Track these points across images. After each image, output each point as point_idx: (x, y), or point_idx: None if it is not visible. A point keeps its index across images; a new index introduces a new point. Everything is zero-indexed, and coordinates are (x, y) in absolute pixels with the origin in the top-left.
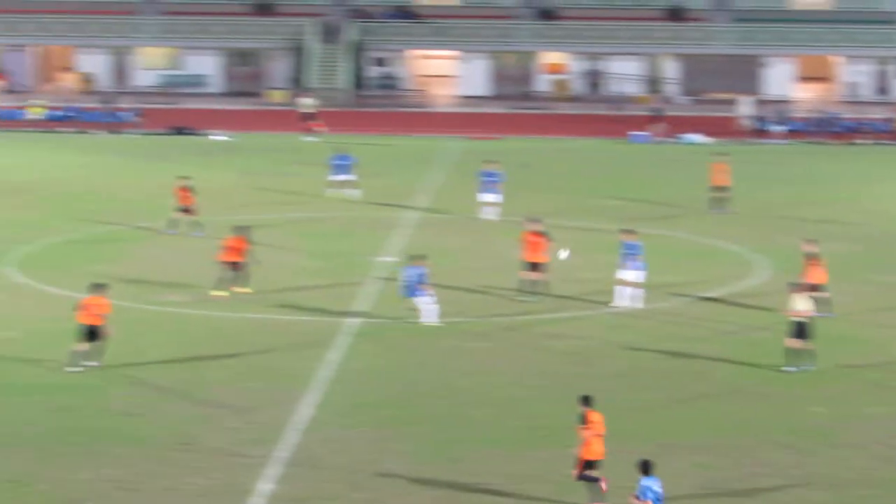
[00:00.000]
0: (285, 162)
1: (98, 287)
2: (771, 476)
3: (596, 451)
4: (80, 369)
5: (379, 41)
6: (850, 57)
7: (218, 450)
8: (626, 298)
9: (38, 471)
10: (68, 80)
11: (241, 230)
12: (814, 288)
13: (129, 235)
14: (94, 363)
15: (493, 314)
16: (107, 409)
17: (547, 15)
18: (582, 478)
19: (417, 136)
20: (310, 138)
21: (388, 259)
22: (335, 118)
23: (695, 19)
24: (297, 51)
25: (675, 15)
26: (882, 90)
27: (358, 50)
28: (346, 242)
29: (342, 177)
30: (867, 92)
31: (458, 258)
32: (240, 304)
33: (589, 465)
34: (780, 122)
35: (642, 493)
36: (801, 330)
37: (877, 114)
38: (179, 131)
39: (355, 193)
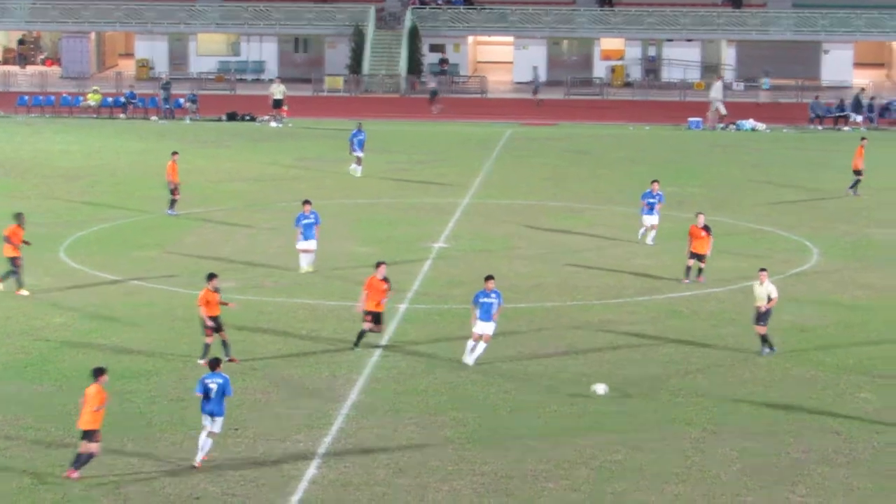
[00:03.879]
0: (339, 148)
1: (212, 277)
2: (816, 462)
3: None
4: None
5: (436, 27)
6: None
7: (266, 435)
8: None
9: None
10: (126, 67)
11: (17, 217)
12: (699, 257)
13: (179, 222)
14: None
15: (539, 300)
16: (164, 394)
17: (605, 1)
18: None
19: (474, 122)
20: (274, 124)
21: (440, 245)
22: (391, 104)
23: (754, 5)
24: (355, 37)
25: (734, 1)
26: None
27: (414, 36)
28: (399, 228)
29: (360, 153)
30: None
31: (508, 244)
32: (292, 290)
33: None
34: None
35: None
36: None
37: None
38: (233, 117)
39: (358, 169)
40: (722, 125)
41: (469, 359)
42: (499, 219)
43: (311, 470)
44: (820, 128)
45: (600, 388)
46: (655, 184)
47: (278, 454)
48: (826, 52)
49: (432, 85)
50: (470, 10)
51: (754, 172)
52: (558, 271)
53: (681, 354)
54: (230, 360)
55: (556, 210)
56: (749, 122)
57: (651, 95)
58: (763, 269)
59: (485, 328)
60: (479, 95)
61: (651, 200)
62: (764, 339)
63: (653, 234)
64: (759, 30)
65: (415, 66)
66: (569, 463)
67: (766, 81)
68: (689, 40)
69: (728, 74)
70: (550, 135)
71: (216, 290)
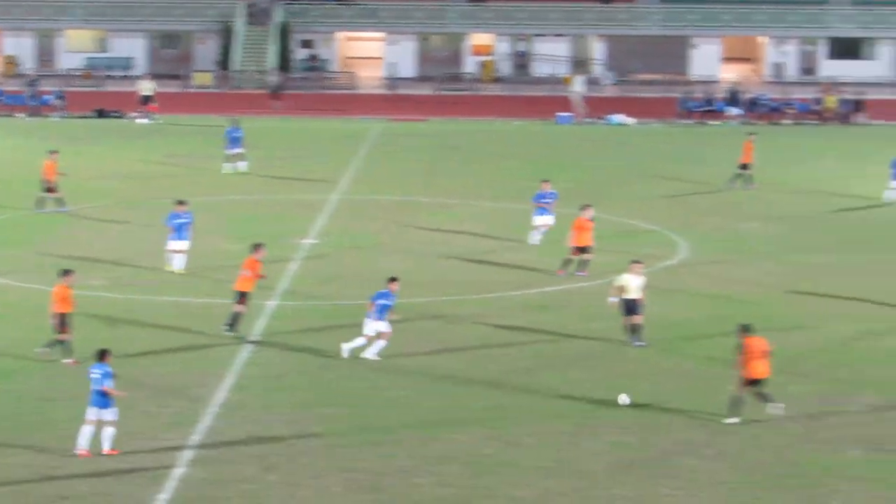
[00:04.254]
0: (210, 145)
1: (67, 273)
2: (685, 455)
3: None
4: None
5: (307, 23)
6: (775, 37)
7: (135, 433)
8: (535, 239)
9: None
10: None
11: None
12: (583, 250)
13: (48, 219)
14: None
15: (411, 296)
16: (28, 394)
17: None
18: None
19: (343, 119)
20: (143, 121)
21: (310, 241)
22: (261, 100)
23: (622, 1)
24: (224, 33)
25: None
26: (807, 71)
27: (284, 32)
28: (269, 225)
29: (236, 150)
30: (792, 72)
31: (377, 240)
32: (161, 288)
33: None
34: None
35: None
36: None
37: (802, 94)
38: (102, 114)
39: (242, 165)
40: (590, 119)
41: (347, 349)
42: (369, 215)
43: (181, 468)
44: (690, 122)
45: (624, 399)
46: (546, 183)
47: (147, 452)
48: (694, 46)
49: (274, 79)
50: (340, 6)
51: (623, 167)
52: (430, 267)
53: (552, 348)
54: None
55: (426, 206)
56: (618, 117)
57: (521, 90)
58: (637, 261)
59: (379, 326)
60: (348, 91)
61: (546, 200)
62: (635, 329)
63: (543, 231)
64: (627, 25)
65: (285, 62)
66: (440, 458)
67: (580, 80)
68: (559, 35)
69: (597, 69)
70: (420, 130)
71: (70, 287)
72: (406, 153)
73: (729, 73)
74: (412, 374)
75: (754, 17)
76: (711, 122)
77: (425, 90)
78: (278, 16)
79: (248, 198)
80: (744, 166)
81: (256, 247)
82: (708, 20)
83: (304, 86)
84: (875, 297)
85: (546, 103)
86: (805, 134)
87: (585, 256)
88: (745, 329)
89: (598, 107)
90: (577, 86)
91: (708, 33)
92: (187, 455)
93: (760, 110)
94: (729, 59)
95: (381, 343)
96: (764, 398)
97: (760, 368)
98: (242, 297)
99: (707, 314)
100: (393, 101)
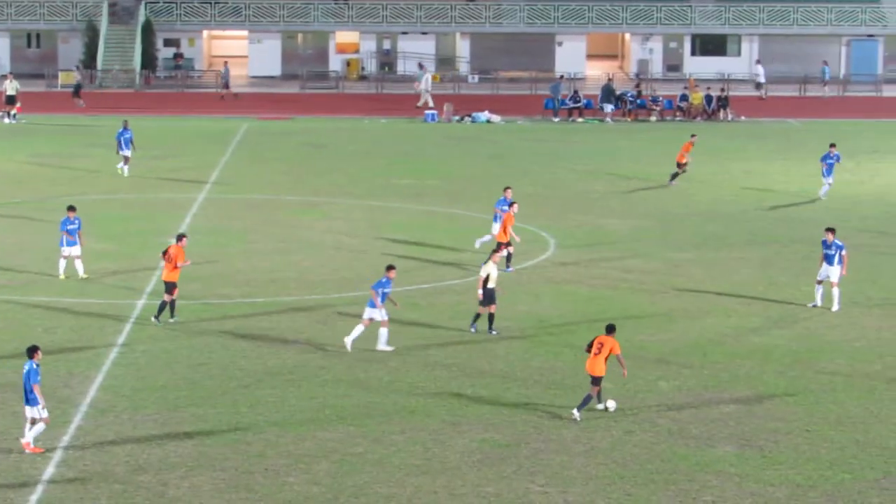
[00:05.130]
0: (74, 144)
1: None
2: (555, 452)
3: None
4: None
5: (171, 21)
6: (640, 34)
7: (3, 434)
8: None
9: None
10: None
11: None
12: (507, 244)
13: None
14: None
15: (278, 294)
16: None
17: None
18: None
19: (210, 118)
20: (8, 120)
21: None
22: (126, 99)
23: None
24: (88, 32)
25: None
26: (672, 67)
27: (149, 31)
28: (137, 224)
29: (126, 151)
30: (657, 69)
31: (245, 238)
32: (26, 288)
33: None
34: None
35: None
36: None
37: (667, 90)
38: None
39: (126, 169)
40: (457, 117)
41: (349, 341)
42: (236, 213)
43: (50, 469)
44: (556, 119)
45: (611, 405)
46: (509, 190)
47: (16, 454)
48: (559, 44)
49: (78, 79)
50: (204, 5)
51: (490, 164)
52: (296, 265)
53: (421, 346)
54: None
55: (293, 204)
56: (484, 115)
57: (386, 88)
58: (497, 251)
59: (375, 313)
60: (214, 90)
61: (505, 207)
62: (492, 319)
63: (487, 238)
64: (492, 22)
65: (149, 60)
66: (310, 457)
67: (422, 75)
68: (424, 33)
69: (463, 67)
70: (286, 129)
71: None
72: (272, 152)
73: (594, 70)
74: (281, 374)
75: (619, 15)
76: (579, 120)
77: (291, 88)
78: (142, 14)
79: (116, 197)
80: (679, 164)
81: (180, 237)
82: (573, 17)
83: (168, 85)
84: (745, 293)
85: (412, 101)
86: (671, 130)
87: (510, 249)
88: (608, 329)
89: (465, 105)
90: (424, 83)
91: (573, 30)
92: (56, 456)
93: (628, 107)
94: (594, 56)
95: (385, 332)
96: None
97: (599, 366)
98: (171, 286)
99: (576, 311)
100: (259, 99)
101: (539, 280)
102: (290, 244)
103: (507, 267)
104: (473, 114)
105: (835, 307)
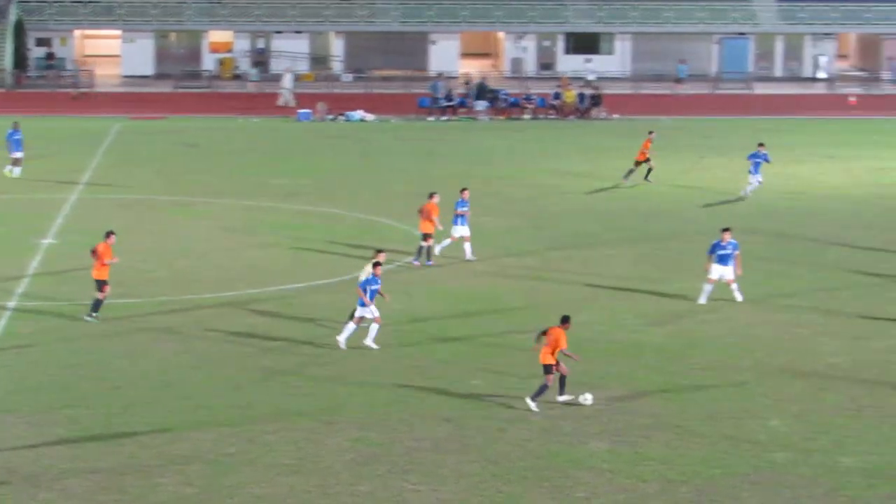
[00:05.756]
0: None
1: None
2: (428, 450)
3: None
4: None
5: (43, 21)
6: (514, 33)
7: None
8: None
9: None
10: None
11: None
12: (426, 237)
13: None
14: None
15: (154, 294)
16: None
17: None
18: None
19: (80, 117)
20: None
21: (48, 241)
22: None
23: None
24: None
25: None
26: (545, 66)
27: (20, 30)
28: (7, 225)
29: (16, 153)
30: (531, 67)
31: (119, 239)
32: None
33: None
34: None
35: None
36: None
37: (540, 89)
38: None
39: (16, 171)
40: (331, 116)
41: (342, 339)
42: (109, 214)
43: None
44: (431, 118)
45: (587, 398)
46: (466, 191)
47: None
48: (433, 42)
49: None
50: (76, 4)
51: (364, 163)
52: (170, 265)
53: (293, 346)
54: None
55: (166, 204)
56: (358, 113)
57: (260, 87)
58: (381, 251)
59: (365, 311)
60: (87, 89)
61: (465, 208)
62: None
63: (447, 242)
64: (366, 21)
65: (21, 60)
66: (183, 458)
67: (289, 77)
68: (298, 32)
69: (337, 66)
70: (160, 128)
71: None
72: (146, 152)
73: (468, 69)
74: (154, 375)
75: (493, 13)
76: (453, 118)
77: (164, 88)
78: (13, 13)
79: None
80: (638, 162)
81: (108, 234)
82: (446, 16)
83: (41, 84)
84: (619, 290)
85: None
86: (545, 128)
87: (429, 241)
88: (561, 320)
89: (338, 104)
90: (286, 82)
91: (446, 29)
92: None
93: (501, 105)
94: (468, 55)
95: (376, 327)
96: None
97: (548, 356)
98: (101, 283)
99: (448, 308)
100: (132, 98)
101: (413, 278)
102: (164, 244)
103: (428, 261)
104: (347, 113)
105: (739, 298)
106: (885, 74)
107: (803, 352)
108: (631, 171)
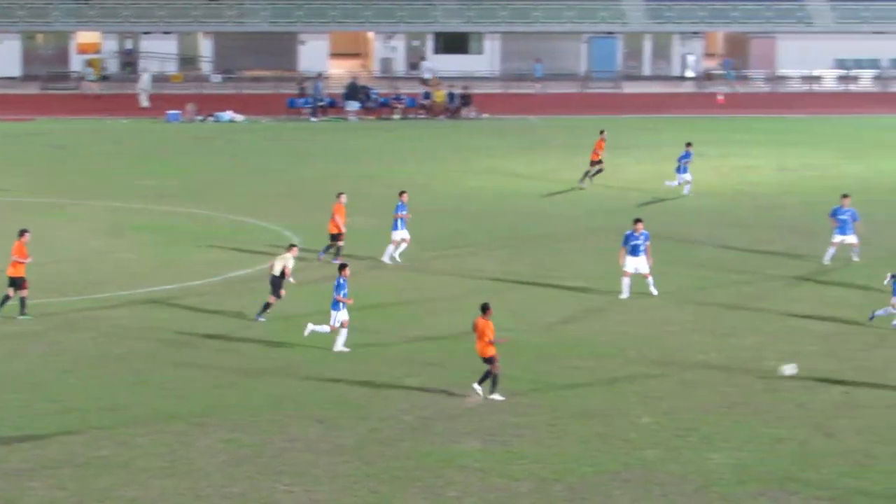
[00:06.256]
0: None
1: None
2: (301, 451)
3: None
4: None
5: None
6: (383, 33)
7: None
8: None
9: None
10: None
11: None
12: (336, 237)
13: None
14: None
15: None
16: None
17: None
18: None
19: None
20: None
21: None
22: None
23: None
24: None
25: None
26: (415, 66)
27: None
28: None
29: None
30: (400, 67)
31: None
32: None
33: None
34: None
35: None
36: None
37: (409, 88)
38: None
39: None
40: (200, 117)
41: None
42: None
43: None
44: (314, 119)
45: (788, 369)
46: (405, 194)
47: None
48: (302, 42)
49: None
50: None
51: (233, 164)
52: (40, 268)
53: (163, 348)
54: None
55: (36, 206)
56: (228, 114)
57: (128, 89)
58: (294, 245)
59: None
60: None
61: (403, 212)
62: (268, 306)
63: (403, 247)
64: (235, 21)
65: None
66: (54, 461)
67: (146, 77)
68: (167, 33)
69: (206, 66)
70: (27, 130)
71: None
72: (13, 154)
73: (338, 69)
74: (23, 378)
75: (362, 13)
76: (322, 118)
77: (31, 89)
78: None
79: None
80: (593, 163)
81: (21, 232)
82: (316, 16)
83: None
84: (490, 289)
85: (154, 100)
86: (414, 128)
87: (340, 243)
88: (482, 309)
89: (208, 104)
90: (143, 83)
91: (316, 29)
92: None
93: (370, 105)
94: (338, 55)
95: (345, 332)
96: (486, 378)
97: (483, 347)
98: (19, 281)
99: (317, 307)
100: None
101: (297, 275)
102: (32, 247)
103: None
104: (216, 113)
105: (654, 292)
106: (753, 73)
107: (674, 349)
108: (587, 174)
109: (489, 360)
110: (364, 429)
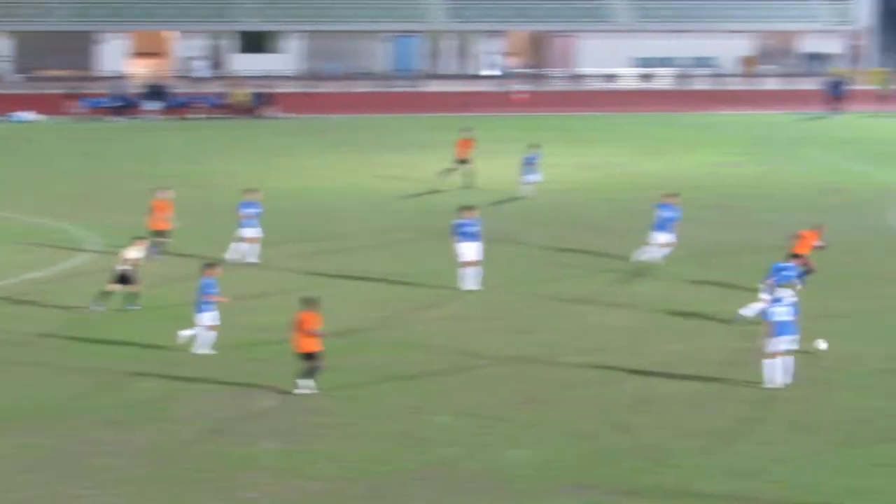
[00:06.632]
0: None
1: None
2: (97, 455)
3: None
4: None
5: None
6: (183, 32)
7: None
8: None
9: None
10: None
11: None
12: (159, 234)
13: None
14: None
15: None
16: None
17: None
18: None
19: None
20: None
21: None
22: None
23: None
24: None
25: None
26: (216, 65)
27: None
28: None
29: None
30: (201, 67)
31: None
32: None
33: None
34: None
35: None
36: (123, 277)
37: (210, 88)
38: None
39: None
40: None
41: None
42: None
43: None
44: (117, 119)
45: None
46: (257, 193)
47: None
48: (98, 42)
49: None
50: None
51: (30, 165)
52: None
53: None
54: None
55: None
56: (25, 114)
57: None
58: (141, 238)
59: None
60: None
61: (252, 210)
62: (105, 295)
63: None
64: (33, 20)
65: None
66: None
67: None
68: None
69: (3, 65)
70: None
71: None
72: None
73: (138, 69)
74: None
75: (161, 12)
76: (120, 119)
77: None
78: None
79: None
80: (461, 161)
81: None
82: (114, 15)
83: None
84: (287, 289)
85: None
86: (216, 128)
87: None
88: (305, 302)
89: (5, 104)
90: None
91: (114, 28)
92: None
93: (171, 104)
94: (138, 55)
95: (213, 335)
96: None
97: (306, 342)
98: None
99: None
100: None
101: (98, 277)
102: None
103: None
104: (14, 113)
105: (476, 287)
106: (553, 71)
107: (470, 348)
108: (450, 170)
109: (312, 356)
110: (160, 430)
